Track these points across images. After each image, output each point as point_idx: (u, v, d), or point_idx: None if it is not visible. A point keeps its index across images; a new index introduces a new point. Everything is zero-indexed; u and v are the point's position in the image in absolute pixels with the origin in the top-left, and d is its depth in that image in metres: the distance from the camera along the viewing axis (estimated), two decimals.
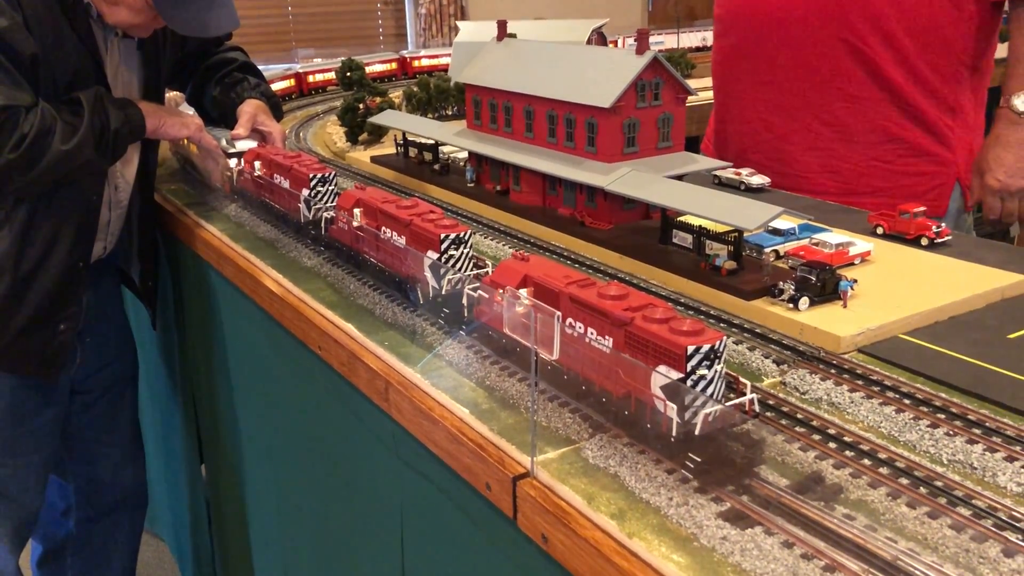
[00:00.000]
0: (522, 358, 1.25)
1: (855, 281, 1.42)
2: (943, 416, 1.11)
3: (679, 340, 1.02)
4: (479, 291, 1.32)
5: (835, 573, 0.85)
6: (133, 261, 2.43)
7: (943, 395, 1.16)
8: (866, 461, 1.02)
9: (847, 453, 1.04)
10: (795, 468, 1.03)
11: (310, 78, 3.93)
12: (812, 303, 1.38)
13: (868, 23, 2.17)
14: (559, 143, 1.87)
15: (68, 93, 1.96)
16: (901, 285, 1.49)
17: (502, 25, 2.16)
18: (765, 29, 2.33)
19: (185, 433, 2.69)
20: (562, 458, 1.09)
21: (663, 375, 1.02)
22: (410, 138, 2.45)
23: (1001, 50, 2.27)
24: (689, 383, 1.01)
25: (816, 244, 1.58)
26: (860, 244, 1.61)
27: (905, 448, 1.06)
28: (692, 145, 2.07)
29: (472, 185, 2.16)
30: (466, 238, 1.46)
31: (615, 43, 4.62)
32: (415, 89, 3.15)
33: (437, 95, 3.12)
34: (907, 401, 1.15)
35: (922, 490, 0.97)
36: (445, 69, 4.15)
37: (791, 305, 1.38)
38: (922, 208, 1.74)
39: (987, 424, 1.08)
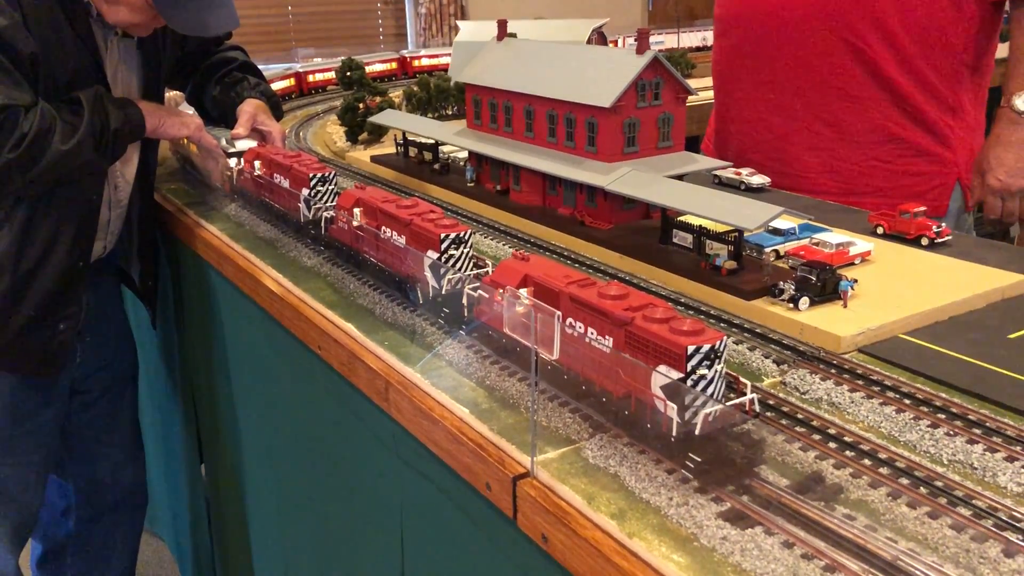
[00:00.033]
0: (522, 358, 1.25)
1: (855, 281, 1.42)
2: (943, 416, 1.11)
3: (679, 340, 1.02)
4: (479, 291, 1.32)
5: (835, 573, 0.85)
6: (133, 261, 2.43)
7: (943, 395, 1.16)
8: (866, 461, 1.02)
9: (847, 453, 1.04)
10: (795, 468, 1.03)
11: (310, 78, 3.93)
12: (812, 303, 1.38)
13: (868, 23, 2.17)
14: (559, 143, 1.87)
15: (68, 93, 1.96)
16: (901, 285, 1.49)
17: (502, 25, 2.16)
18: (765, 29, 2.33)
19: (185, 433, 2.69)
20: (562, 458, 1.09)
21: (663, 375, 1.02)
22: (410, 138, 2.45)
23: (1001, 50, 2.26)
24: (689, 383, 1.01)
25: (816, 244, 1.58)
26: (860, 244, 1.61)
27: (905, 448, 1.06)
28: (692, 145, 2.07)
29: (472, 185, 2.16)
30: (466, 238, 1.46)
31: (615, 43, 4.62)
32: (415, 89, 3.15)
33: (437, 95, 3.12)
34: (907, 401, 1.15)
35: (922, 490, 0.97)
36: (445, 69, 4.15)
37: (791, 305, 1.38)
38: (922, 208, 1.74)
39: (987, 424, 1.08)
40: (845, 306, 1.39)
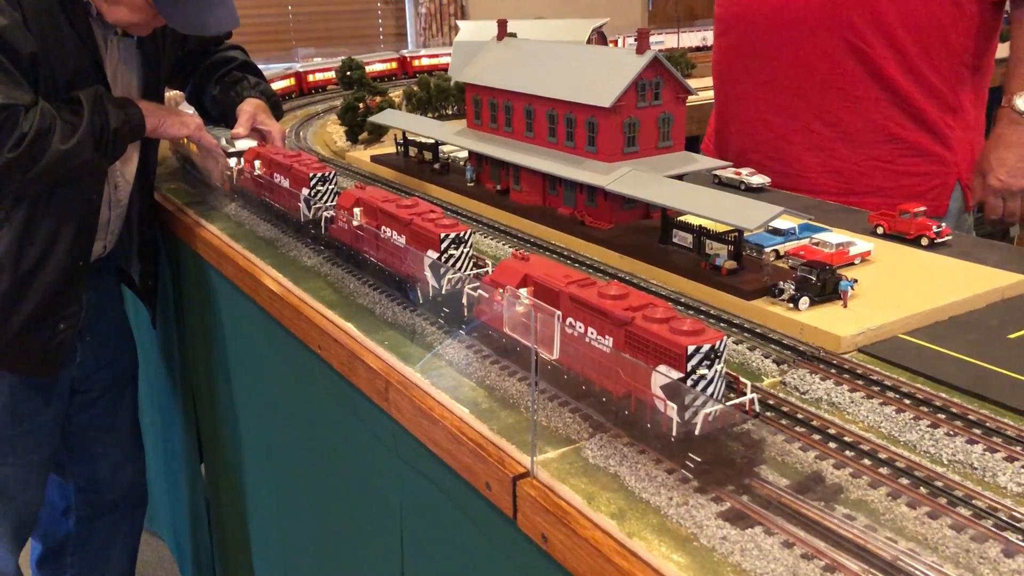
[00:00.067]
0: (522, 358, 1.25)
1: (855, 281, 1.42)
2: (943, 416, 1.11)
3: (679, 340, 1.02)
4: (479, 290, 1.32)
5: (835, 573, 0.85)
6: (133, 260, 2.43)
7: (943, 395, 1.16)
8: (866, 461, 1.02)
9: (847, 453, 1.04)
10: (795, 468, 1.03)
11: (310, 77, 3.92)
12: (812, 303, 1.38)
13: (869, 23, 2.17)
14: (559, 142, 1.87)
15: (68, 92, 1.96)
16: (901, 285, 1.49)
17: (502, 24, 2.16)
18: (765, 29, 2.33)
19: (185, 432, 2.69)
20: (562, 458, 1.09)
21: (663, 375, 1.02)
22: (410, 137, 2.45)
23: (1002, 50, 2.26)
24: (689, 383, 1.01)
25: (816, 244, 1.58)
26: (860, 244, 1.61)
27: (905, 448, 1.06)
28: (692, 145, 2.07)
29: (472, 184, 2.16)
30: (466, 237, 1.46)
31: (615, 43, 4.62)
32: (415, 88, 3.15)
33: (437, 94, 3.12)
34: (907, 401, 1.15)
35: (922, 490, 0.97)
36: (445, 68, 4.15)
37: (791, 305, 1.38)
38: (922, 208, 1.74)
39: (987, 424, 1.08)
40: (845, 306, 1.39)
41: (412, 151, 2.45)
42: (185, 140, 2.42)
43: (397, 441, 1.40)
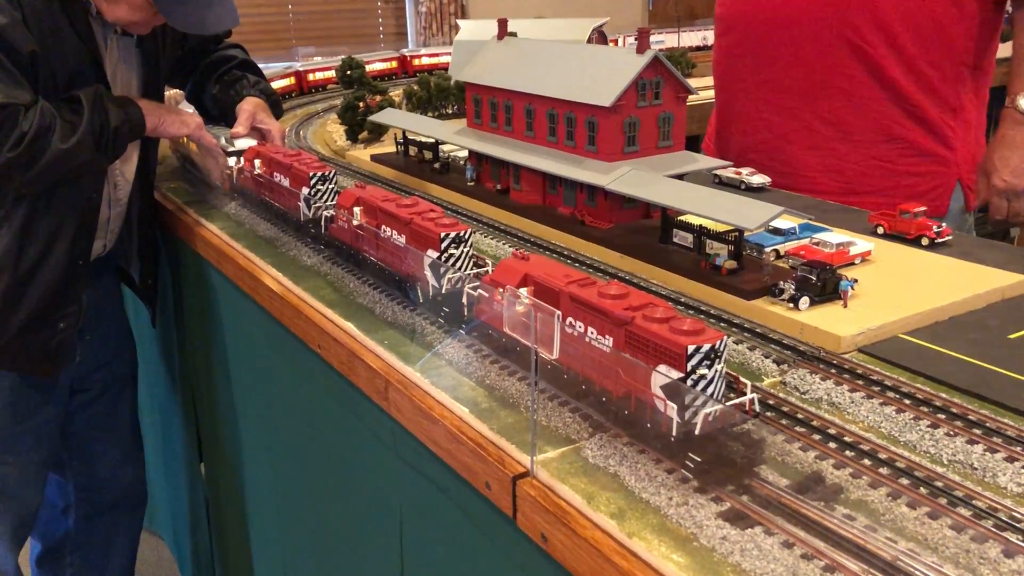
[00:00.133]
0: (522, 357, 1.25)
1: (855, 281, 1.42)
2: (943, 416, 1.11)
3: (679, 340, 1.02)
4: (479, 290, 1.32)
5: (835, 573, 0.85)
6: (133, 259, 2.43)
7: (943, 395, 1.16)
8: (866, 461, 1.02)
9: (847, 453, 1.04)
10: (795, 468, 1.03)
11: (310, 76, 3.92)
12: (812, 303, 1.38)
13: (869, 22, 2.17)
14: (559, 142, 1.87)
15: (67, 91, 1.96)
16: (901, 285, 1.49)
17: (502, 24, 2.15)
18: (766, 28, 2.32)
19: (184, 431, 2.69)
20: (562, 457, 1.09)
21: (663, 375, 1.02)
22: (410, 137, 2.45)
23: (1003, 50, 2.26)
24: (689, 383, 1.01)
25: (817, 244, 1.58)
26: (860, 244, 1.61)
27: (905, 448, 1.06)
28: (693, 144, 2.07)
29: (472, 184, 2.16)
30: (466, 237, 1.46)
31: (615, 42, 4.62)
32: (415, 88, 3.14)
33: (437, 94, 3.12)
34: (907, 401, 1.15)
35: (922, 490, 0.97)
36: (445, 68, 4.15)
37: (791, 305, 1.38)
38: (923, 208, 1.74)
39: (987, 424, 1.08)
40: (845, 306, 1.39)
41: (412, 150, 2.45)
42: (185, 139, 2.41)
43: (397, 440, 1.40)
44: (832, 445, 1.06)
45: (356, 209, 1.66)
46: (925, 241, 1.70)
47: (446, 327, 1.42)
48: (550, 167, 1.86)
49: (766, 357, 1.29)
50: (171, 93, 2.79)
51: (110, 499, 2.66)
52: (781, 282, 1.41)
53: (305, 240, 1.88)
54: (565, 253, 1.77)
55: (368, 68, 3.48)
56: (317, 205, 1.83)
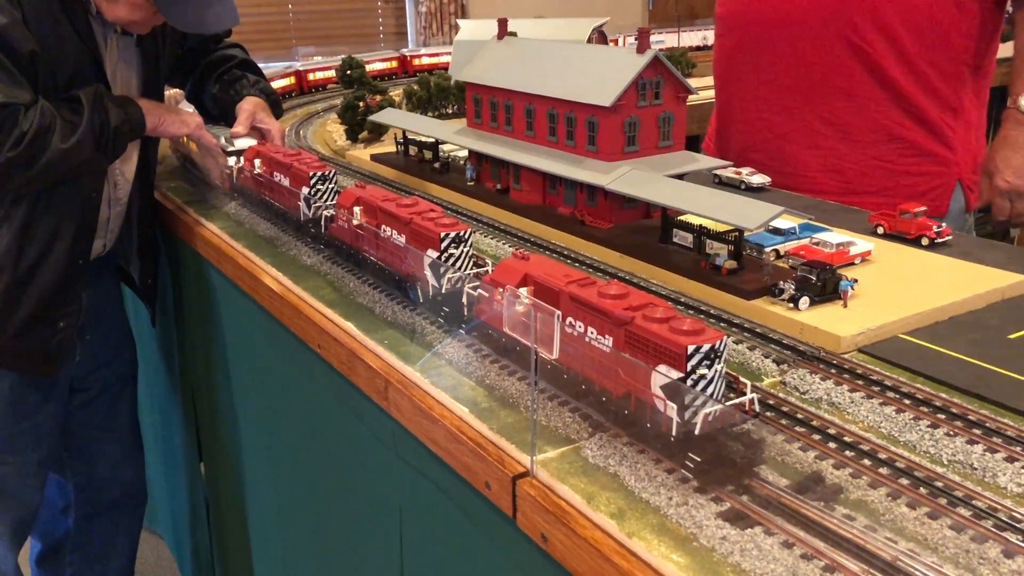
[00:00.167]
0: (522, 357, 1.25)
1: (855, 281, 1.42)
2: (943, 416, 1.11)
3: (679, 339, 1.02)
4: (479, 290, 1.32)
5: (835, 573, 0.85)
6: (133, 259, 2.43)
7: (943, 395, 1.16)
8: (866, 461, 1.02)
9: (847, 453, 1.04)
10: (795, 468, 1.03)
11: (310, 76, 3.92)
12: (812, 303, 1.38)
13: (870, 22, 2.17)
14: (559, 142, 1.87)
15: (67, 90, 1.96)
16: (901, 285, 1.49)
17: (503, 23, 2.15)
18: (766, 28, 2.32)
19: (184, 431, 2.69)
20: (562, 457, 1.09)
21: (663, 374, 1.01)
22: (410, 136, 2.45)
23: (1003, 50, 2.26)
24: (689, 383, 1.01)
25: (816, 244, 1.58)
26: (860, 244, 1.61)
27: (905, 448, 1.06)
28: (693, 144, 2.07)
29: (472, 184, 2.16)
30: (466, 237, 1.46)
31: (616, 42, 4.62)
32: (415, 87, 3.14)
33: (437, 93, 3.12)
34: (907, 401, 1.15)
35: (922, 490, 0.97)
36: (445, 67, 4.15)
37: (791, 305, 1.38)
38: (923, 208, 1.74)
39: (987, 424, 1.08)
40: (845, 306, 1.39)
41: (412, 150, 2.45)
42: (185, 139, 2.41)
43: (396, 440, 1.40)
44: (832, 445, 1.06)
45: (356, 209, 1.66)
46: (925, 241, 1.70)
47: (446, 327, 1.42)
48: (550, 167, 1.86)
49: (766, 357, 1.29)
50: (171, 93, 2.79)
51: (110, 498, 2.66)
52: (781, 282, 1.41)
53: (305, 240, 1.88)
54: (565, 253, 1.77)
55: (368, 68, 3.48)
56: (317, 205, 1.83)
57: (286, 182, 1.94)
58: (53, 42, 1.92)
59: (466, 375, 1.30)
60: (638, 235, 1.74)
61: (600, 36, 3.41)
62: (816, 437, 1.08)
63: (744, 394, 1.09)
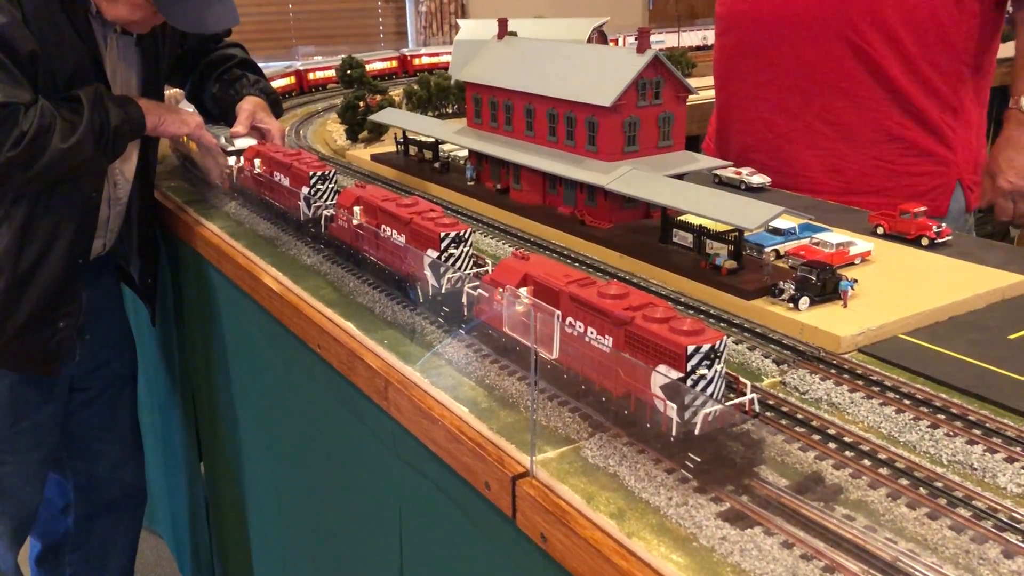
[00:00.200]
0: (522, 357, 1.25)
1: (855, 281, 1.41)
2: (943, 417, 1.11)
3: (679, 340, 1.02)
4: (479, 290, 1.32)
5: (835, 574, 0.85)
6: (133, 258, 2.43)
7: (943, 395, 1.16)
8: (866, 461, 1.02)
9: (847, 453, 1.04)
10: (795, 468, 1.03)
11: (310, 76, 3.92)
12: (812, 303, 1.38)
13: (870, 22, 2.17)
14: (559, 142, 1.87)
15: (67, 90, 1.96)
16: (901, 285, 1.49)
17: (503, 23, 2.15)
18: (767, 28, 2.32)
19: (184, 431, 2.69)
20: (561, 457, 1.09)
21: (663, 375, 1.01)
22: (410, 136, 2.45)
23: (1003, 50, 2.26)
24: (689, 383, 1.01)
25: (816, 244, 1.58)
26: (860, 244, 1.61)
27: (905, 449, 1.06)
28: (693, 144, 2.07)
29: (472, 183, 2.16)
30: (466, 236, 1.46)
31: (616, 42, 4.62)
32: (415, 87, 3.14)
33: (437, 93, 3.12)
34: (907, 401, 1.14)
35: (922, 491, 0.97)
36: (446, 67, 4.15)
37: (791, 305, 1.38)
38: (923, 208, 1.74)
39: (987, 425, 1.08)
40: (845, 306, 1.39)
41: (412, 150, 2.45)
42: (185, 138, 2.41)
43: (396, 440, 1.40)
44: (832, 445, 1.06)
45: (356, 208, 1.66)
46: (925, 241, 1.70)
47: (446, 327, 1.42)
48: (550, 167, 1.86)
49: (766, 357, 1.29)
50: (171, 92, 2.79)
51: (109, 498, 2.65)
52: (781, 282, 1.41)
53: (305, 239, 1.88)
54: (565, 253, 1.77)
55: (368, 67, 3.48)
56: (317, 204, 1.83)
57: (286, 182, 1.94)
58: (53, 42, 1.92)
59: (466, 375, 1.30)
60: (638, 235, 1.74)
61: (600, 36, 3.41)
62: (816, 437, 1.08)
63: (744, 394, 1.09)
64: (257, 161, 2.10)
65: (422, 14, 7.43)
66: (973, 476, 1.00)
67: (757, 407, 1.11)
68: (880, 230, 1.76)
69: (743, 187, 2.14)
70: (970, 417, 1.10)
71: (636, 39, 1.75)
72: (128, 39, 2.17)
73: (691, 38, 5.47)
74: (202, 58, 2.54)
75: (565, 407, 1.17)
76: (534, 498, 1.04)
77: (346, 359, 1.47)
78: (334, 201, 1.79)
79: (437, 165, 2.31)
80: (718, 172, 2.18)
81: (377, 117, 2.54)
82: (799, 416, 1.13)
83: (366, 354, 1.42)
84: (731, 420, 1.02)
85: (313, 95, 3.86)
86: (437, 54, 4.44)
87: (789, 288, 1.39)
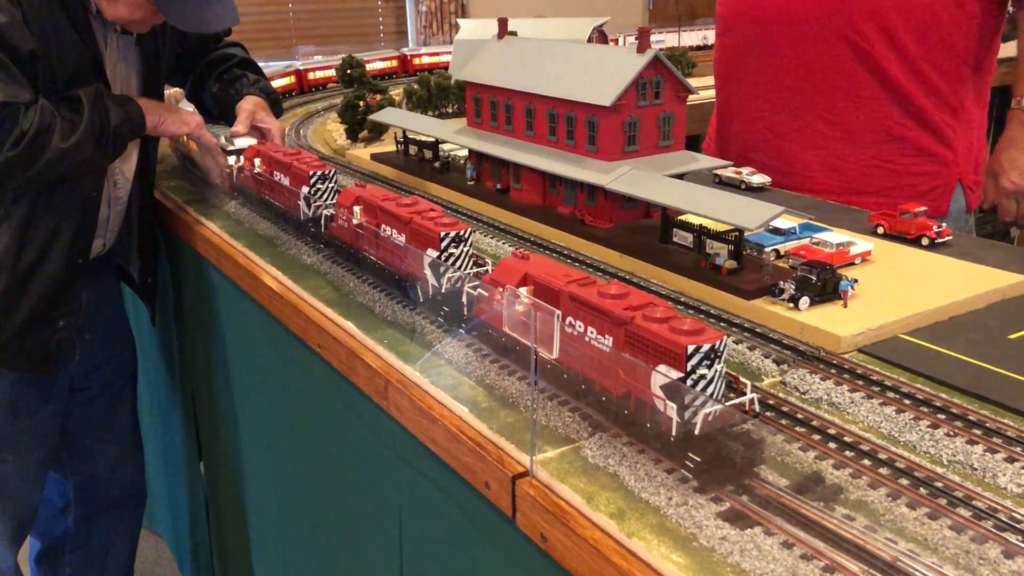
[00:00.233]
0: (522, 357, 1.25)
1: (855, 281, 1.41)
2: (943, 417, 1.11)
3: (679, 339, 1.02)
4: (479, 289, 1.31)
5: (835, 574, 0.85)
6: (132, 258, 2.43)
7: (943, 395, 1.16)
8: (866, 461, 1.02)
9: (847, 453, 1.04)
10: (795, 468, 1.03)
11: (310, 75, 3.92)
12: (812, 303, 1.38)
13: (871, 22, 2.17)
14: (559, 141, 1.87)
15: (67, 90, 1.96)
16: (901, 285, 1.49)
17: (503, 23, 2.15)
18: (767, 28, 2.32)
19: (184, 430, 2.69)
20: (561, 457, 1.09)
21: (663, 374, 1.01)
22: (410, 136, 2.45)
23: (1004, 50, 2.26)
24: (689, 383, 1.01)
25: (817, 243, 1.58)
26: (861, 244, 1.61)
27: (905, 448, 1.06)
28: (693, 144, 2.07)
29: (472, 183, 2.16)
30: (466, 236, 1.46)
31: (616, 41, 4.62)
32: (416, 87, 3.14)
33: (437, 93, 3.12)
34: (907, 401, 1.14)
35: (922, 491, 0.97)
36: (446, 67, 4.15)
37: (791, 305, 1.38)
38: (923, 208, 1.74)
39: (987, 425, 1.08)
40: (845, 306, 1.39)
41: (412, 149, 2.45)
42: (185, 138, 2.41)
43: (396, 440, 1.39)
44: (832, 445, 1.06)
45: (356, 208, 1.66)
46: (925, 241, 1.70)
47: (446, 326, 1.42)
48: (550, 166, 1.85)
49: (766, 357, 1.29)
50: (171, 92, 2.79)
51: (109, 498, 2.65)
52: (781, 282, 1.41)
53: (305, 239, 1.88)
54: (565, 252, 1.76)
55: (368, 67, 3.48)
56: (317, 204, 1.83)
57: (286, 181, 1.94)
58: (53, 41, 1.92)
59: (466, 375, 1.30)
60: (638, 235, 1.74)
61: (600, 36, 3.41)
62: (816, 437, 1.08)
63: (744, 394, 1.09)
64: (257, 161, 2.10)
65: (422, 14, 7.43)
66: (973, 476, 1.00)
67: (757, 407, 1.11)
68: (880, 230, 1.76)
69: (743, 187, 2.14)
70: (970, 417, 1.10)
71: (636, 39, 1.75)
72: (128, 38, 2.17)
73: (691, 38, 5.47)
74: (202, 57, 2.54)
75: (565, 407, 1.17)
76: (534, 498, 1.04)
77: (346, 359, 1.47)
78: (334, 201, 1.79)
79: (437, 165, 2.31)
80: (718, 172, 2.18)
81: (377, 117, 2.54)
82: (799, 416, 1.13)
83: (366, 354, 1.42)
84: (731, 420, 1.02)
85: (313, 95, 3.86)
86: (437, 54, 4.44)
87: (789, 288, 1.39)
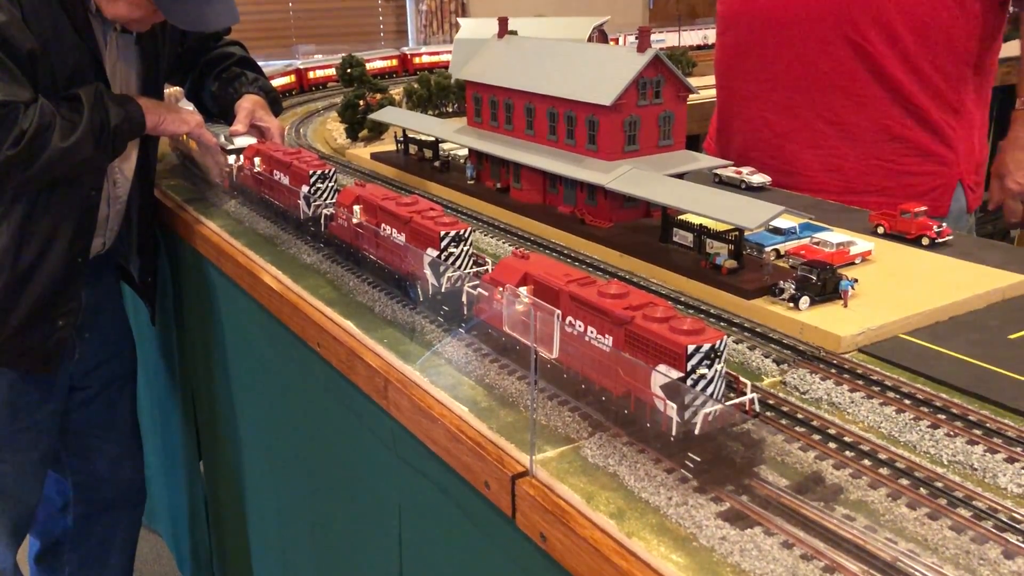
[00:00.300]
0: (522, 356, 1.25)
1: (856, 281, 1.41)
2: (944, 417, 1.11)
3: (679, 339, 1.02)
4: (479, 289, 1.31)
5: (835, 574, 0.85)
6: (132, 257, 2.43)
7: (944, 395, 1.16)
8: (866, 461, 1.02)
9: (847, 453, 1.04)
10: (795, 468, 1.03)
11: (310, 74, 3.92)
12: (813, 302, 1.38)
13: (871, 21, 2.17)
14: (560, 141, 1.87)
15: (67, 89, 1.96)
16: (902, 285, 1.49)
17: (503, 22, 2.15)
18: (768, 27, 2.32)
19: (183, 429, 2.69)
20: (561, 457, 1.09)
21: (663, 374, 1.01)
22: (410, 135, 2.45)
23: (1005, 49, 2.25)
24: (689, 382, 1.01)
25: (817, 243, 1.58)
26: (861, 243, 1.60)
27: (905, 449, 1.06)
28: (694, 143, 2.07)
29: (472, 182, 2.16)
30: (466, 235, 1.46)
31: (616, 41, 4.62)
32: (416, 86, 3.14)
33: (438, 92, 3.12)
34: (907, 401, 1.14)
35: (922, 491, 0.97)
36: (446, 66, 4.15)
37: (792, 304, 1.38)
38: (923, 208, 1.74)
39: (988, 425, 1.08)
40: (845, 306, 1.39)
41: (412, 149, 2.45)
42: (185, 137, 2.41)
43: (396, 439, 1.39)
44: (832, 445, 1.06)
45: (356, 207, 1.66)
46: (925, 241, 1.70)
47: (446, 326, 1.42)
48: (550, 166, 1.85)
49: (766, 357, 1.29)
50: (171, 91, 2.79)
51: (109, 497, 2.65)
52: (781, 282, 1.41)
53: (305, 238, 1.88)
54: (565, 252, 1.76)
55: (368, 66, 3.48)
56: (317, 203, 1.83)
57: (286, 180, 1.94)
58: (53, 40, 1.92)
59: (466, 374, 1.30)
60: (638, 234, 1.74)
61: (601, 35, 3.41)
62: (816, 437, 1.08)
63: (744, 394, 1.09)
64: (257, 160, 2.09)
65: (422, 13, 7.42)
66: (973, 476, 1.00)
67: (757, 407, 1.11)
68: (880, 230, 1.76)
69: (743, 186, 2.14)
70: (970, 417, 1.10)
71: (637, 38, 1.75)
72: (128, 37, 2.17)
73: (692, 37, 5.47)
74: (202, 56, 2.54)
75: (565, 406, 1.17)
76: (534, 498, 1.04)
77: (346, 358, 1.47)
78: (334, 200, 1.79)
79: (437, 164, 2.31)
80: (718, 171, 2.18)
81: (377, 116, 2.54)
82: (799, 416, 1.13)
83: (366, 353, 1.42)
84: (731, 420, 1.02)
85: (313, 94, 3.86)
86: (437, 53, 4.44)
87: (789, 288, 1.39)
